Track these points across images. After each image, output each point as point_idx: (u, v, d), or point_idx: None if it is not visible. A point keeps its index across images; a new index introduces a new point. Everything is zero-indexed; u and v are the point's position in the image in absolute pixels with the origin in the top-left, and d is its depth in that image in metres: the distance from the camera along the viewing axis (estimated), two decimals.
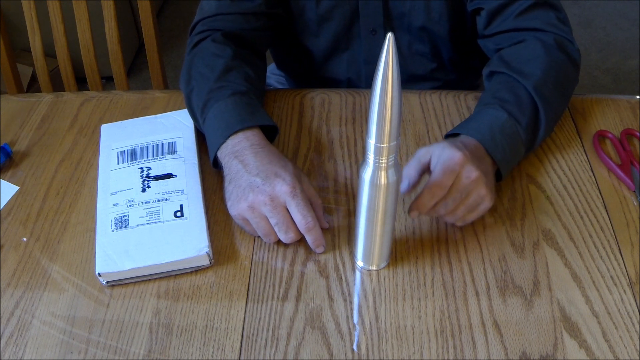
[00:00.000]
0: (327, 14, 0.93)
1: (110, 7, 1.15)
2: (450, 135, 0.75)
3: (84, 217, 0.75)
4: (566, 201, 0.75)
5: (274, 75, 1.22)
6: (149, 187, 0.75)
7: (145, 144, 0.81)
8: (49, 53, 1.21)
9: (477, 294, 0.66)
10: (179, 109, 0.87)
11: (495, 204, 0.74)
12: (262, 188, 0.67)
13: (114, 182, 0.76)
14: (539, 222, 0.73)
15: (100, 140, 0.83)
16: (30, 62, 1.23)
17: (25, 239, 0.73)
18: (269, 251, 0.71)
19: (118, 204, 0.73)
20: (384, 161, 0.57)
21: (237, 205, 0.69)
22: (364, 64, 1.00)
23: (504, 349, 0.61)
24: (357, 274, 0.68)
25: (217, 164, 0.76)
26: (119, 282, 0.68)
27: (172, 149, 0.80)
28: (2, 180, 0.80)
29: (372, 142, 0.56)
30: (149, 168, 0.77)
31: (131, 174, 0.77)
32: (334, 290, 0.67)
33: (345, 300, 0.66)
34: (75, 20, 1.16)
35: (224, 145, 0.73)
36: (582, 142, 0.82)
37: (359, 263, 0.68)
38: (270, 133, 0.78)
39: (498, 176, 0.74)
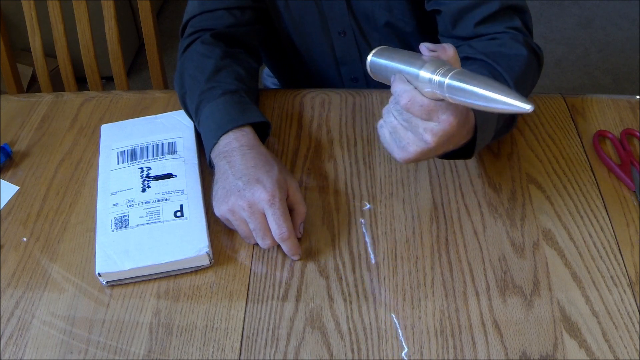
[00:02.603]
0: (298, 16, 0.93)
1: (110, 7, 1.15)
2: None
3: (84, 217, 0.75)
4: (566, 201, 0.75)
5: (269, 77, 1.22)
6: (149, 187, 0.75)
7: (145, 144, 0.81)
8: (49, 53, 1.21)
9: (477, 294, 0.66)
10: (179, 109, 0.87)
11: (495, 204, 0.74)
12: (242, 193, 0.68)
13: (114, 182, 0.76)
14: (539, 222, 0.73)
15: (100, 140, 0.83)
16: (30, 62, 1.23)
17: (25, 239, 0.73)
18: (269, 251, 0.71)
19: (118, 204, 0.73)
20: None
21: (220, 206, 0.70)
22: (341, 65, 1.00)
23: (504, 349, 0.61)
24: (357, 273, 0.68)
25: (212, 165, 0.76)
26: (119, 282, 0.68)
27: (172, 149, 0.80)
28: (2, 180, 0.80)
29: None
30: (149, 168, 0.77)
31: (131, 174, 0.77)
32: (334, 290, 0.67)
33: (345, 300, 0.66)
34: (75, 20, 1.16)
35: (216, 146, 0.74)
36: (582, 142, 0.82)
37: None
38: (264, 129, 0.78)
39: (467, 153, 0.68)
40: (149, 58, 1.23)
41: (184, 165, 0.77)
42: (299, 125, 0.87)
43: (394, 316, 0.64)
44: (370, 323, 0.64)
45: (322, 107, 0.89)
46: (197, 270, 0.69)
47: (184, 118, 0.84)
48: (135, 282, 0.68)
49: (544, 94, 0.90)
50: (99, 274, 0.67)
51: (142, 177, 0.76)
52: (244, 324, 0.64)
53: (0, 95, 0.94)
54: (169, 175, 0.76)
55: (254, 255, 0.70)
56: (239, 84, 0.80)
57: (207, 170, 0.78)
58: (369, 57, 0.66)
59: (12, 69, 1.22)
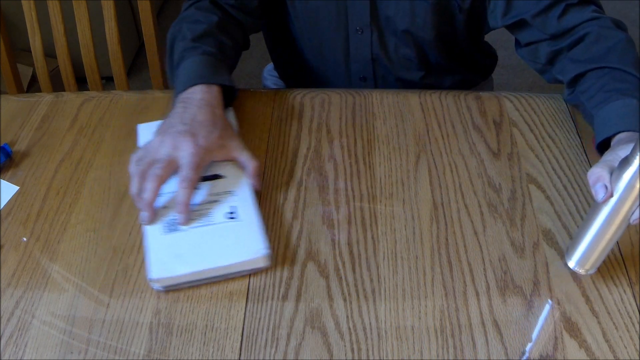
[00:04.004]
0: (314, 7, 0.93)
1: (110, 7, 1.15)
2: (602, 143, 0.71)
3: (84, 217, 0.75)
4: (566, 201, 0.75)
5: (270, 77, 1.22)
6: (197, 188, 0.72)
7: None
8: (49, 53, 1.21)
9: (477, 294, 0.66)
10: None
11: (495, 204, 0.74)
12: (174, 135, 0.71)
13: None
14: (539, 222, 0.73)
15: (138, 141, 0.82)
16: (30, 62, 1.23)
17: (25, 239, 0.73)
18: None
19: (166, 206, 0.71)
20: None
21: (155, 136, 0.73)
22: (352, 62, 1.00)
23: (504, 349, 0.61)
24: (357, 273, 0.68)
25: None
26: (174, 287, 0.66)
27: None
28: (2, 180, 0.80)
29: None
30: None
31: (177, 176, 0.72)
32: (334, 290, 0.67)
33: (345, 300, 0.66)
34: (75, 20, 1.16)
35: (181, 94, 0.77)
36: (582, 142, 0.82)
37: (571, 264, 0.67)
38: (231, 96, 0.83)
39: None
40: (149, 58, 1.23)
41: (231, 165, 0.76)
42: (299, 125, 0.87)
43: None
44: (370, 323, 0.64)
45: (322, 107, 0.89)
46: None
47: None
48: (191, 286, 0.67)
49: (544, 94, 0.90)
50: (153, 279, 0.65)
51: None
52: (244, 324, 0.64)
53: (0, 95, 0.94)
54: (216, 176, 0.74)
55: None
56: (220, 53, 0.83)
57: None
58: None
59: (12, 69, 1.22)
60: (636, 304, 0.64)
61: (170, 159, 0.71)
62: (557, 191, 0.76)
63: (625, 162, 0.58)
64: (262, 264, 0.68)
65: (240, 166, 0.75)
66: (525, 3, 0.83)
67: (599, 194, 0.60)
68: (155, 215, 0.70)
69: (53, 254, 0.71)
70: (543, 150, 0.81)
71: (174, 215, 0.70)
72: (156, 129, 0.75)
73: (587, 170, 0.78)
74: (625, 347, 0.61)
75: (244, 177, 0.75)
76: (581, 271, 0.66)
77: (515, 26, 0.87)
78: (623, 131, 0.68)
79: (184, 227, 0.69)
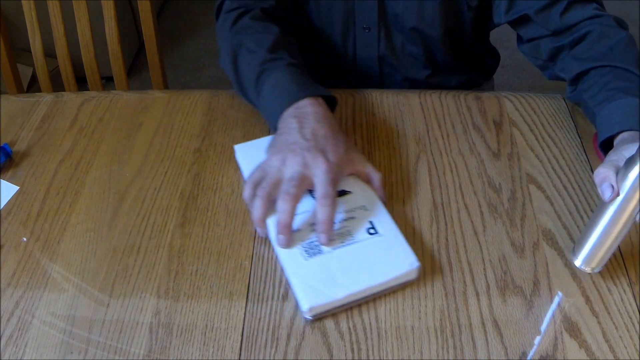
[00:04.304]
0: (325, 5, 0.94)
1: (110, 7, 1.15)
2: (605, 141, 0.71)
3: (84, 217, 0.75)
4: (566, 201, 0.75)
5: None
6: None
7: None
8: (49, 53, 1.21)
9: (477, 294, 0.66)
10: (179, 109, 0.87)
11: (495, 204, 0.74)
12: (303, 152, 0.68)
13: None
14: (539, 222, 0.73)
15: (239, 163, 0.79)
16: (30, 62, 1.23)
17: (25, 239, 0.73)
18: (269, 251, 0.71)
19: (300, 229, 0.68)
20: None
21: (272, 153, 0.69)
22: (358, 61, 1.00)
23: (504, 349, 0.61)
24: None
25: None
26: (325, 314, 0.64)
27: None
28: (2, 180, 0.80)
29: None
30: None
31: (308, 196, 0.70)
32: None
33: None
34: (75, 20, 1.16)
35: (287, 110, 0.73)
36: (582, 142, 0.82)
37: (577, 262, 0.67)
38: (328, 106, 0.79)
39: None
40: (149, 58, 1.23)
41: (353, 179, 0.73)
42: None
43: None
44: (370, 323, 0.64)
45: None
46: (196, 270, 0.69)
47: None
48: (341, 310, 0.65)
49: (544, 94, 0.90)
50: (307, 309, 0.62)
51: (314, 197, 0.68)
52: (244, 324, 0.64)
53: (0, 95, 0.94)
54: (344, 192, 0.71)
55: (254, 256, 0.70)
56: (299, 63, 0.81)
57: None
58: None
59: (12, 69, 1.22)
60: (636, 304, 0.64)
61: (303, 177, 0.67)
62: (557, 191, 0.76)
63: (631, 161, 0.58)
64: (414, 276, 0.66)
65: (364, 179, 0.72)
66: (528, 1, 0.84)
67: (605, 193, 0.60)
68: (293, 238, 0.67)
69: (53, 254, 0.71)
70: (543, 150, 0.81)
71: (312, 237, 0.67)
72: (267, 147, 0.71)
73: (587, 170, 0.78)
74: (625, 347, 0.61)
75: (369, 190, 0.72)
76: (587, 269, 0.66)
77: (518, 22, 0.88)
78: (625, 130, 0.69)
79: (326, 249, 0.66)
